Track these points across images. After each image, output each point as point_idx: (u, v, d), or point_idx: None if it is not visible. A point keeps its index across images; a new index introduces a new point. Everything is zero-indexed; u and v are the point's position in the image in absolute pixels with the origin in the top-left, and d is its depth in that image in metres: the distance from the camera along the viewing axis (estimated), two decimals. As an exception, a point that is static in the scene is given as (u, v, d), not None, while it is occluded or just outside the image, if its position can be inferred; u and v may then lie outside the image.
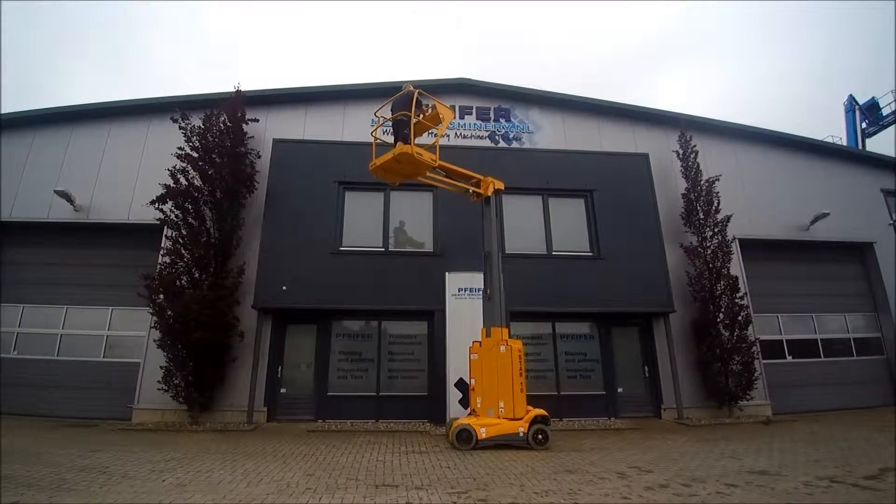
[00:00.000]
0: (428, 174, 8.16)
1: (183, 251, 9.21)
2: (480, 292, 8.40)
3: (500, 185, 8.62)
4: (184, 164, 9.64)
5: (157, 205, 9.25)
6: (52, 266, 10.74)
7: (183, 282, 9.14)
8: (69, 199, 10.48)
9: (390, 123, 8.12)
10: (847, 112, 24.97)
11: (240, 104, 10.64)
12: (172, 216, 9.40)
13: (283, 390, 9.80)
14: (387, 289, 9.87)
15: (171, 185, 9.39)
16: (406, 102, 7.64)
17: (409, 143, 7.46)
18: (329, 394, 9.75)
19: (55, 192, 10.40)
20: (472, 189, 8.61)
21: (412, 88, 7.78)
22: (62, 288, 10.52)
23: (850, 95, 24.82)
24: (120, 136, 11.33)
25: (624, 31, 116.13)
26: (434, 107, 8.27)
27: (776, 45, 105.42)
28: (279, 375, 9.84)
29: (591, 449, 7.05)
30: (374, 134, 8.42)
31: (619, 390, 10.35)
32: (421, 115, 8.02)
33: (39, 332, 10.33)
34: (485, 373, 7.42)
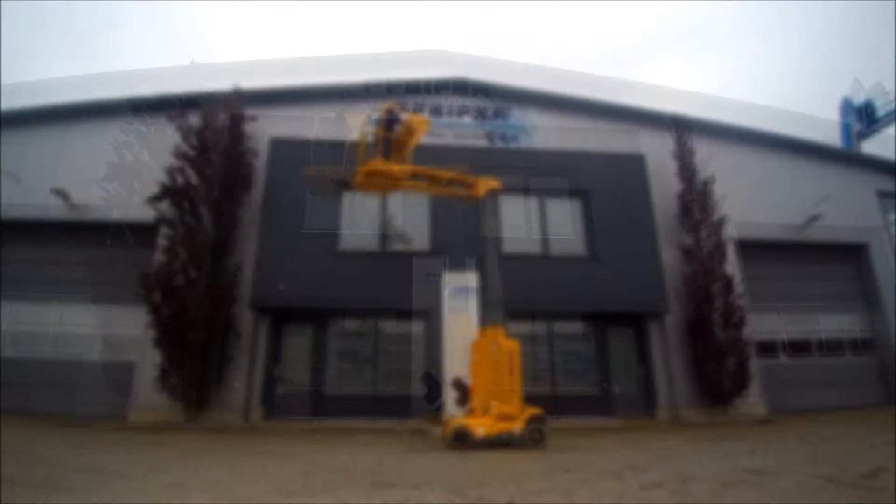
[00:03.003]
0: (408, 183, 8.24)
1: (179, 250, 9.18)
2: (477, 292, 8.42)
3: (495, 184, 8.61)
4: (181, 163, 9.60)
5: (153, 203, 9.21)
6: (47, 264, 10.66)
7: (179, 281, 9.11)
8: (65, 198, 10.42)
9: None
10: (842, 114, 25.09)
11: (238, 103, 10.61)
12: (169, 215, 9.37)
13: (279, 389, 9.79)
14: (384, 288, 9.87)
15: (168, 183, 9.36)
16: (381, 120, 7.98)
17: (378, 159, 7.72)
18: (326, 393, 9.75)
19: (51, 190, 10.35)
20: (462, 192, 8.62)
21: (395, 106, 8.04)
22: (58, 286, 10.45)
23: (846, 97, 24.94)
24: (117, 133, 11.26)
25: (622, 31, 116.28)
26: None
27: (772, 46, 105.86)
28: (276, 375, 9.84)
29: (586, 448, 7.07)
30: (359, 152, 8.23)
31: (615, 390, 10.40)
32: (400, 130, 8.19)
33: (35, 331, 10.28)
34: (481, 372, 7.44)
